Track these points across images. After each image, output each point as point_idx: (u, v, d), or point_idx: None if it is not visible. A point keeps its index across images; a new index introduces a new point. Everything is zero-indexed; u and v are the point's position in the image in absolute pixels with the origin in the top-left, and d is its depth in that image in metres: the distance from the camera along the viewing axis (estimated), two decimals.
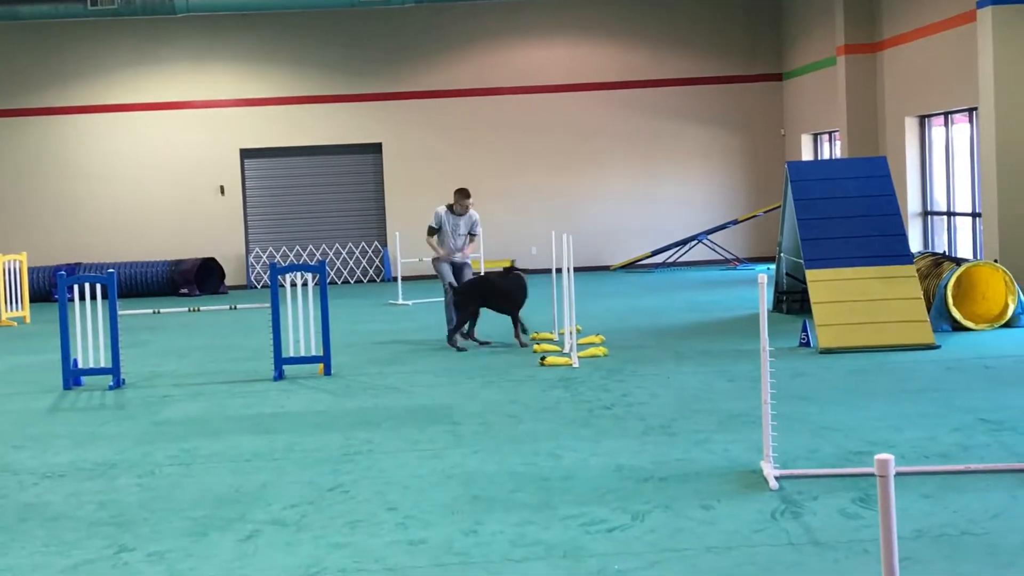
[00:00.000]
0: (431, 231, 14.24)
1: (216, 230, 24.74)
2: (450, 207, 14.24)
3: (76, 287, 12.43)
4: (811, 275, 12.94)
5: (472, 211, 14.31)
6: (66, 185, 24.64)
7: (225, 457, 8.41)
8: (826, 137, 23.29)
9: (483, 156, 24.77)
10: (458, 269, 14.28)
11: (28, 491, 7.63)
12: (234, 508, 6.99)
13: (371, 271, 24.97)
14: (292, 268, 12.66)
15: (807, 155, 23.82)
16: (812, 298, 12.72)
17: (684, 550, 5.83)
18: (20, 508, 7.21)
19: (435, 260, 14.33)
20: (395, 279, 21.73)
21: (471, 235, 14.34)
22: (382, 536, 6.29)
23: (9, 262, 19.18)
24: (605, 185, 24.96)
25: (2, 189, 24.65)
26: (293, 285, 12.72)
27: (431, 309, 18.27)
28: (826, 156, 23.31)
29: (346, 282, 24.80)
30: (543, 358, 12.15)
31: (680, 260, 24.39)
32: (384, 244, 24.81)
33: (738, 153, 25.16)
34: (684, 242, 24.01)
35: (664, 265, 24.37)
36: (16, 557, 6.19)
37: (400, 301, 19.51)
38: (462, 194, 14.25)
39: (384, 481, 7.47)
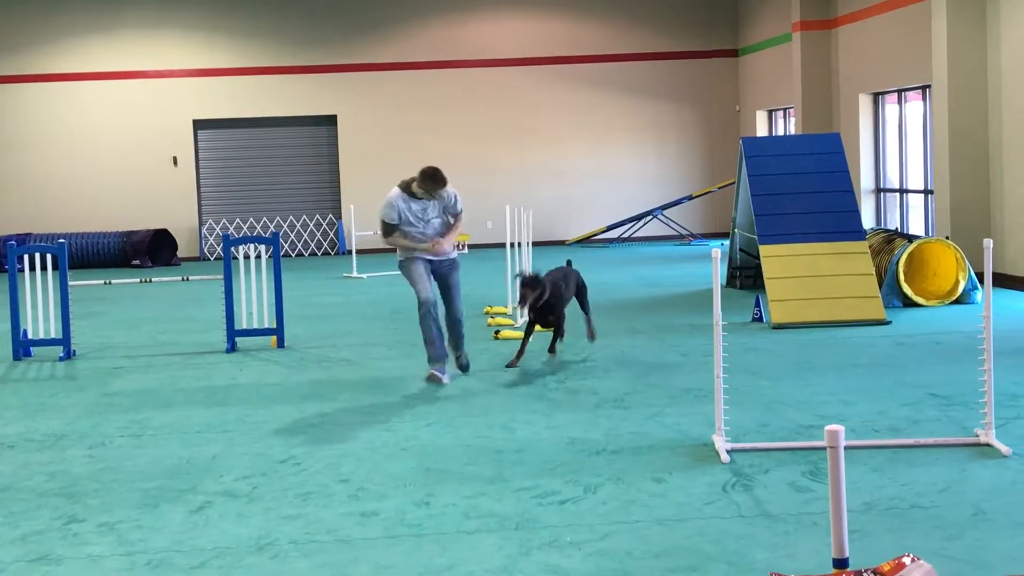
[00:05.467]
0: (387, 229, 9.76)
1: (169, 201, 24.53)
2: (407, 188, 9.71)
3: (26, 257, 12.29)
4: (764, 251, 13.00)
5: (449, 188, 9.78)
6: (16, 155, 24.32)
7: (176, 429, 8.36)
8: (781, 113, 23.39)
9: (438, 130, 24.68)
10: (441, 270, 9.93)
11: None
12: (185, 479, 6.95)
13: (325, 244, 24.85)
14: (245, 240, 12.56)
15: (762, 131, 23.92)
16: (765, 274, 12.78)
17: (635, 522, 5.86)
18: None
19: (402, 261, 9.91)
20: (349, 252, 21.64)
21: (452, 215, 9.91)
22: (334, 508, 6.27)
23: None
24: (560, 160, 24.96)
25: None
26: (246, 257, 12.64)
27: (386, 282, 18.23)
28: (780, 132, 23.42)
29: (300, 255, 24.68)
30: (497, 332, 12.14)
31: (635, 235, 24.45)
32: (339, 217, 24.70)
33: (693, 129, 25.22)
34: (639, 217, 24.07)
35: (619, 240, 24.43)
36: None
37: (355, 274, 19.44)
38: (432, 182, 9.63)
39: (336, 453, 7.45)
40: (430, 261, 9.86)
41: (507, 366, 10.27)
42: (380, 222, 9.73)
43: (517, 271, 10.98)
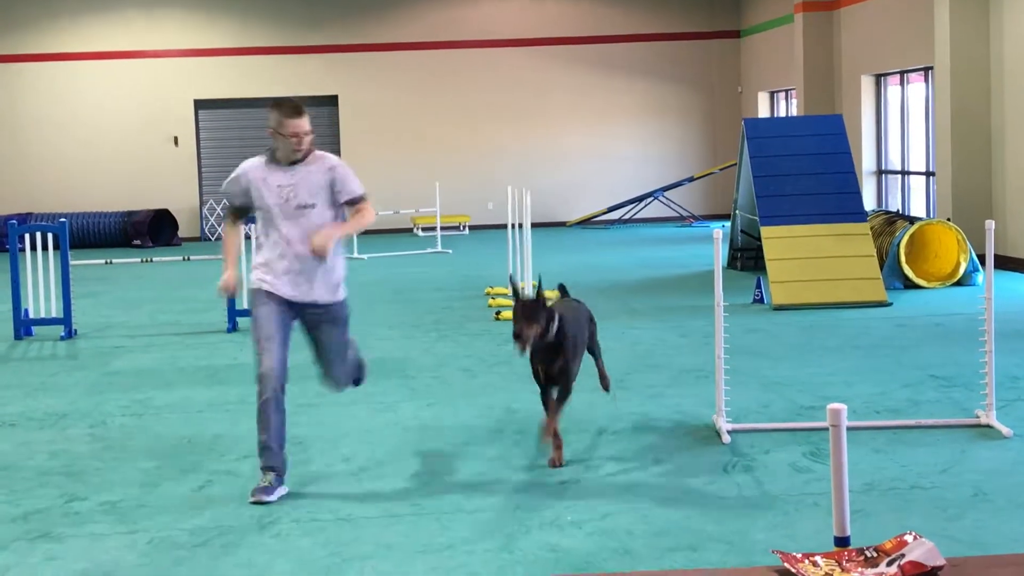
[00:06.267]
0: (234, 213, 6.48)
1: (170, 181, 24.49)
2: (270, 154, 6.31)
3: (27, 236, 12.28)
4: (766, 232, 12.99)
5: (328, 156, 6.38)
6: (17, 134, 24.28)
7: (177, 408, 8.36)
8: (783, 95, 23.34)
9: (439, 110, 24.64)
10: (312, 319, 6.33)
11: None
12: (187, 459, 6.95)
13: None
14: (246, 220, 12.53)
15: (764, 112, 23.87)
16: (766, 255, 12.78)
17: (636, 502, 5.86)
18: None
19: (254, 292, 6.31)
20: None
21: (349, 205, 6.33)
22: (336, 487, 6.28)
23: None
24: (561, 141, 24.91)
25: None
26: (247, 237, 12.61)
27: (386, 263, 18.22)
28: (783, 114, 23.38)
29: None
30: (498, 313, 12.15)
31: (636, 217, 24.42)
32: None
33: (695, 110, 25.17)
34: (640, 199, 24.04)
35: (620, 221, 24.40)
36: None
37: (355, 255, 19.42)
38: (285, 112, 6.19)
39: (338, 433, 7.46)
40: (294, 303, 6.19)
41: (551, 465, 6.52)
42: (225, 199, 6.45)
43: (509, 276, 7.35)
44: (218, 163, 24.87)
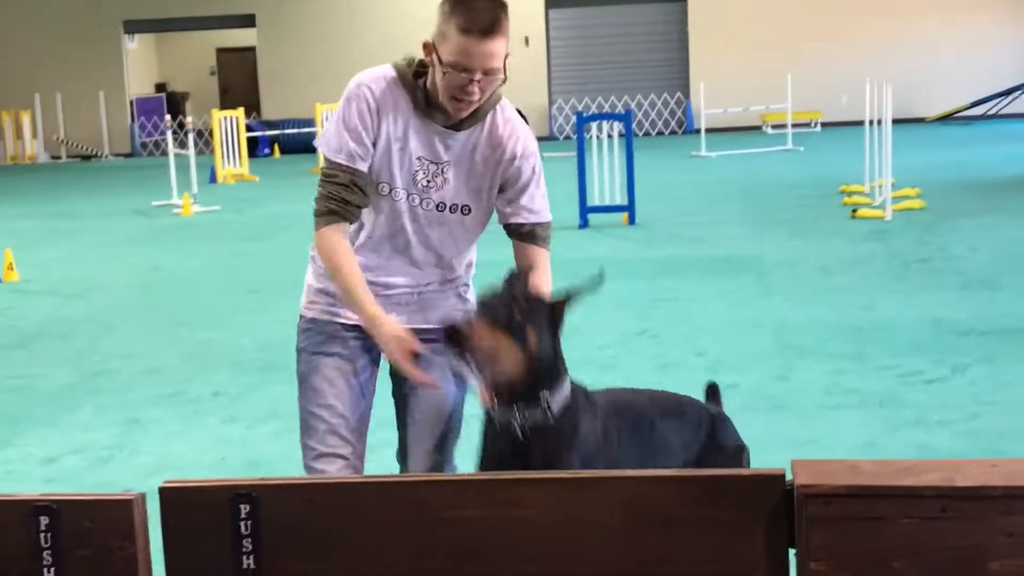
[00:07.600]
0: (326, 187, 3.04)
1: (519, 81, 24.78)
2: (414, 78, 3.09)
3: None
4: None
5: (516, 121, 3.47)
6: (367, 37, 25.28)
7: None
8: None
9: (790, 3, 23.89)
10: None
11: None
12: None
13: (673, 123, 24.69)
14: (597, 117, 12.67)
15: None
16: None
17: (1008, 403, 5.59)
18: None
19: (305, 333, 3.24)
20: (697, 131, 21.40)
21: (519, 237, 3.29)
22: (693, 379, 6.25)
23: None
24: (920, 29, 23.69)
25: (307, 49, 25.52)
26: (609, 136, 12.70)
27: (734, 161, 17.97)
28: None
29: (647, 134, 24.62)
30: (855, 210, 11.78)
31: (1003, 112, 22.97)
32: (687, 95, 24.45)
33: None
34: (1008, 92, 22.57)
35: (985, 117, 23.03)
36: None
37: (703, 153, 19.25)
38: (466, 19, 2.95)
39: (692, 327, 7.46)
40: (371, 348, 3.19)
41: None
42: (322, 155, 3.24)
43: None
44: (567, 62, 25.13)
